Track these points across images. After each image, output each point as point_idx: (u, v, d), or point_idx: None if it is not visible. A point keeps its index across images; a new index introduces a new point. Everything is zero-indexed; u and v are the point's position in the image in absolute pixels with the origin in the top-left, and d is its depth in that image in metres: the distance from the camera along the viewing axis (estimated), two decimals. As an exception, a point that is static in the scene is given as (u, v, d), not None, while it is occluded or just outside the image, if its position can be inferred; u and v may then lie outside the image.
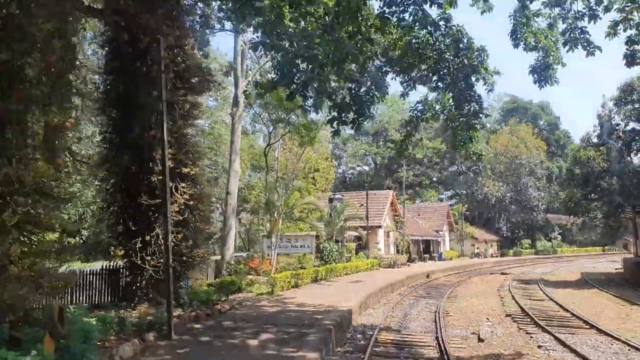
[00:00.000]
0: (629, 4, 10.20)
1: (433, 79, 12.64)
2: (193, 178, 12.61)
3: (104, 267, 13.19)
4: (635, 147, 30.42)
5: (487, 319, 15.86)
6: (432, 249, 53.11)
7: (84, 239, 19.32)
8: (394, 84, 68.02)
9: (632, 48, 10.44)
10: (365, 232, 35.33)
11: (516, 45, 12.00)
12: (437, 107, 13.34)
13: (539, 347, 11.49)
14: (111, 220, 12.41)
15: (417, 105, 13.40)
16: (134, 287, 12.23)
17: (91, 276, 12.57)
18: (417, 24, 11.68)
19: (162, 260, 11.81)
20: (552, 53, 11.20)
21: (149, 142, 11.89)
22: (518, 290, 23.98)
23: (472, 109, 11.52)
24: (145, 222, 11.98)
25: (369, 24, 11.63)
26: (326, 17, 8.80)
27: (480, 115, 11.73)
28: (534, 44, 11.59)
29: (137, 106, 11.67)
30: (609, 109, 31.90)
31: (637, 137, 29.81)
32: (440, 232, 55.87)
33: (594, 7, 10.44)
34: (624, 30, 10.44)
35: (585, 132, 37.84)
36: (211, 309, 12.92)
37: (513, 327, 14.23)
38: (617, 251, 69.07)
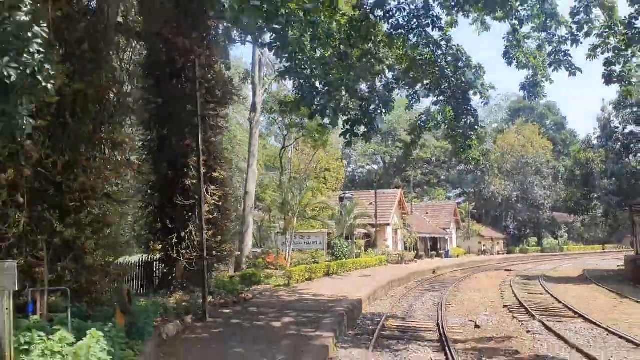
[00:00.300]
0: (607, 31, 11.63)
1: (435, 93, 14.15)
2: (221, 181, 14.25)
3: (140, 260, 14.87)
4: (633, 149, 31.62)
5: (486, 309, 17.32)
6: (439, 247, 54.45)
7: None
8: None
9: (609, 69, 11.86)
10: (374, 229, 36.87)
11: (509, 64, 13.46)
12: (439, 117, 14.83)
13: (528, 332, 12.97)
14: (150, 219, 14.06)
15: (421, 116, 14.88)
16: (170, 278, 13.89)
17: (136, 268, 14.23)
18: (421, 44, 13.19)
19: (194, 254, 13.48)
20: (540, 72, 12.65)
21: (183, 150, 13.52)
22: (519, 285, 25.31)
23: (468, 121, 12.99)
24: (180, 220, 13.63)
25: (378, 40, 13.21)
26: (341, 46, 10.32)
27: (476, 127, 13.19)
28: (524, 62, 13.06)
29: (173, 119, 13.30)
30: (608, 113, 33.16)
31: (635, 140, 31.00)
32: (448, 230, 57.21)
33: (575, 33, 11.87)
34: (602, 53, 11.88)
35: (586, 135, 39.01)
36: (237, 297, 14.55)
37: (508, 317, 15.69)
38: (625, 249, 69.84)
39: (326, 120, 10.46)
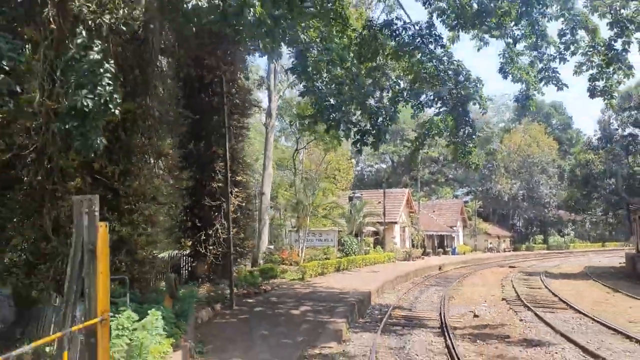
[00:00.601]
0: (590, 50, 12.99)
1: (437, 104, 15.58)
2: (243, 184, 15.79)
3: (169, 255, 16.46)
4: (632, 150, 32.77)
5: (485, 301, 18.73)
6: (446, 244, 55.76)
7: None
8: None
9: (593, 84, 13.22)
10: (382, 227, 38.32)
11: (505, 77, 14.88)
12: (441, 125, 16.26)
13: (520, 320, 14.40)
14: (180, 218, 15.64)
15: (426, 124, 16.31)
16: (198, 271, 15.46)
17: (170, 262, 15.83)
18: (425, 60, 14.63)
19: (220, 250, 15.04)
20: (532, 85, 14.04)
21: (210, 157, 15.07)
22: (520, 281, 26.60)
23: (466, 131, 14.41)
24: (207, 219, 15.21)
25: (386, 54, 14.68)
26: (352, 68, 11.81)
27: (474, 136, 14.61)
28: (519, 77, 14.46)
29: (202, 130, 14.85)
30: (608, 115, 34.33)
31: (634, 141, 32.15)
32: (454, 228, 58.48)
33: (563, 52, 13.25)
34: (587, 70, 13.25)
35: (587, 137, 40.14)
36: (258, 289, 16.12)
37: (505, 308, 17.10)
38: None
39: (340, 133, 11.94)
